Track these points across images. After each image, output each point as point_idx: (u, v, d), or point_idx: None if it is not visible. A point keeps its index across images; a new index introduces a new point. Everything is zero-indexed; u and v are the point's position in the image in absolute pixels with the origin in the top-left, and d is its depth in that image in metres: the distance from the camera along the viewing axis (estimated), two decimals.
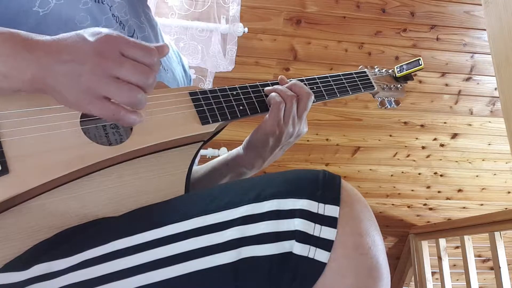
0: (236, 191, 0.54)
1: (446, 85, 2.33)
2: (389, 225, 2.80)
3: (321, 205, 0.50)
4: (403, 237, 2.86)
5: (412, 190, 2.70)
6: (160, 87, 0.66)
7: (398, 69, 0.95)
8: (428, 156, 2.58)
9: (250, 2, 1.96)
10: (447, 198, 2.77)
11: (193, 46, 1.90)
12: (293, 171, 0.55)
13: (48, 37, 0.51)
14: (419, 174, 2.64)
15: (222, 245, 0.48)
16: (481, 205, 2.82)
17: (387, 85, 0.92)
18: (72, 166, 0.53)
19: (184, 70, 0.91)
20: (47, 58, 0.49)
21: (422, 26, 2.14)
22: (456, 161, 2.62)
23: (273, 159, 0.78)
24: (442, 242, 2.48)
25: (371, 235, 0.50)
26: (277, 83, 0.76)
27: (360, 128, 2.41)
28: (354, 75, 0.88)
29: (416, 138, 2.50)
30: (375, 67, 0.95)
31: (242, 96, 0.71)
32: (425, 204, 2.78)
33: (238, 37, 1.94)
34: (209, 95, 0.68)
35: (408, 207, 2.77)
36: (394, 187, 2.67)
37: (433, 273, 2.58)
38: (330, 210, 0.49)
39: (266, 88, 0.74)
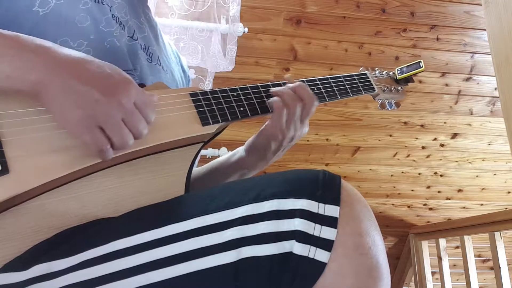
0: (236, 191, 0.54)
1: (446, 85, 2.33)
2: (389, 225, 2.80)
3: (321, 205, 0.50)
4: (403, 237, 2.86)
5: (412, 190, 2.70)
6: (160, 87, 0.66)
7: (398, 71, 0.95)
8: (428, 156, 2.58)
9: (250, 2, 1.96)
10: (447, 198, 2.77)
11: (193, 46, 1.90)
12: (293, 171, 0.55)
13: (74, 52, 0.55)
14: (419, 174, 2.64)
15: (222, 245, 0.49)
16: (481, 205, 2.82)
17: (387, 87, 0.92)
18: (72, 166, 0.53)
19: (183, 70, 0.91)
20: (64, 70, 0.51)
21: (422, 26, 2.14)
22: (456, 161, 2.62)
23: (275, 160, 0.79)
24: (442, 242, 2.48)
25: (371, 235, 0.50)
26: (278, 85, 0.76)
27: (360, 128, 2.41)
28: (355, 77, 0.88)
29: (416, 138, 2.50)
30: (376, 69, 0.95)
31: (242, 97, 0.71)
32: (425, 204, 2.78)
33: (238, 37, 1.94)
34: (210, 96, 0.68)
35: (408, 207, 2.77)
36: (394, 187, 2.67)
37: (433, 273, 2.58)
38: (330, 210, 0.49)
39: (272, 89, 0.74)
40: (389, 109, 0.94)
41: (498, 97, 2.34)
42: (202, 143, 0.66)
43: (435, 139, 2.52)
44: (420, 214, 2.82)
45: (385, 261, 0.50)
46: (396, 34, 2.14)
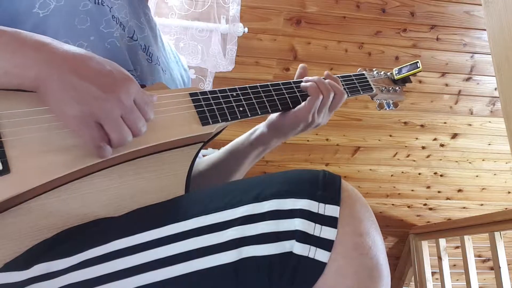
0: (236, 191, 0.54)
1: (446, 85, 2.33)
2: (389, 225, 2.81)
3: (321, 205, 0.50)
4: (403, 237, 2.86)
5: (412, 190, 2.70)
6: (160, 88, 0.66)
7: (396, 72, 0.95)
8: (428, 156, 2.58)
9: (250, 2, 1.96)
10: (447, 198, 2.77)
11: (193, 46, 1.90)
12: (293, 171, 0.55)
13: (74, 48, 0.54)
14: (419, 174, 2.64)
15: (222, 245, 0.49)
16: (481, 205, 2.82)
17: (385, 87, 0.93)
18: (73, 166, 0.53)
19: (184, 70, 0.91)
20: (64, 65, 0.51)
21: (422, 26, 2.14)
22: (456, 161, 2.62)
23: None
24: (442, 242, 2.48)
25: (371, 235, 0.50)
26: (277, 85, 0.77)
27: (360, 128, 2.41)
28: (353, 77, 0.88)
29: (416, 138, 2.50)
30: (374, 69, 0.96)
31: (242, 97, 0.71)
32: (425, 204, 2.78)
33: (238, 37, 1.94)
34: (209, 96, 0.68)
35: (408, 207, 2.77)
36: (394, 187, 2.67)
37: (433, 273, 2.58)
38: (331, 210, 0.49)
39: (305, 78, 0.79)
40: (387, 109, 0.95)
41: (498, 97, 2.35)
42: (202, 143, 0.66)
43: (435, 139, 2.52)
44: (420, 214, 2.82)
45: (385, 261, 0.50)
46: (396, 34, 2.14)
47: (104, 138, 0.52)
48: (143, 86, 0.66)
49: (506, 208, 2.77)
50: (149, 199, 0.59)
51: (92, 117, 0.51)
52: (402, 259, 2.90)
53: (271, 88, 0.76)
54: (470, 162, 2.63)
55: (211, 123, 0.65)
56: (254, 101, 0.72)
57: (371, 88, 0.90)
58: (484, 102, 2.41)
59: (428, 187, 2.71)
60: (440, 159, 2.60)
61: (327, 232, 0.48)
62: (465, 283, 2.23)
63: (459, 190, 2.75)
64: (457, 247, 2.64)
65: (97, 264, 0.49)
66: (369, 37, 2.13)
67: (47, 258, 0.50)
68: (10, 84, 0.51)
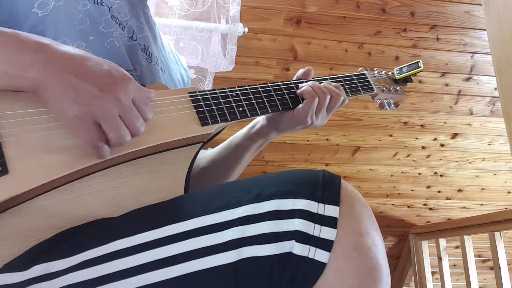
0: (236, 191, 0.54)
1: (446, 85, 2.33)
2: (389, 225, 2.81)
3: (321, 205, 0.49)
4: (403, 237, 2.86)
5: (412, 190, 2.70)
6: (160, 88, 0.66)
7: (397, 71, 0.95)
8: (428, 156, 2.58)
9: (250, 2, 1.96)
10: (447, 198, 2.77)
11: (193, 46, 1.90)
12: (293, 171, 0.55)
13: (72, 49, 0.54)
14: (419, 174, 2.64)
15: (222, 246, 0.48)
16: (481, 205, 2.82)
17: (386, 87, 0.93)
18: (72, 166, 0.53)
19: (184, 70, 0.91)
20: (62, 66, 0.51)
21: (422, 26, 2.14)
22: (456, 161, 2.62)
23: None
24: (442, 242, 2.48)
25: (371, 235, 0.50)
26: (277, 84, 0.77)
27: (360, 128, 2.41)
28: (354, 77, 0.88)
29: (416, 138, 2.50)
30: (375, 69, 0.95)
31: (241, 98, 0.71)
32: (425, 204, 2.78)
33: (238, 37, 1.94)
34: (209, 96, 0.68)
35: (408, 207, 2.77)
36: (394, 187, 2.67)
37: (433, 273, 2.58)
38: (330, 210, 0.49)
39: (302, 85, 0.79)
40: (388, 109, 0.94)
41: (498, 97, 2.35)
42: (202, 143, 0.66)
43: (435, 139, 2.52)
44: (420, 214, 2.82)
45: (385, 261, 0.50)
46: (396, 34, 2.14)
47: (102, 137, 0.52)
48: (142, 86, 0.66)
49: (506, 208, 2.77)
50: (149, 199, 0.59)
51: (90, 116, 0.51)
52: (402, 259, 2.90)
53: (271, 88, 0.76)
54: (470, 162, 2.63)
55: (210, 123, 0.65)
56: (254, 101, 0.72)
57: (372, 88, 0.90)
58: (484, 102, 2.41)
59: (428, 187, 2.70)
60: (440, 159, 2.60)
61: (326, 233, 0.48)
62: (465, 283, 2.23)
63: (459, 190, 2.75)
64: (457, 247, 2.64)
65: (97, 264, 0.49)
66: (369, 37, 2.13)
67: (47, 258, 0.50)
68: (9, 84, 0.51)
